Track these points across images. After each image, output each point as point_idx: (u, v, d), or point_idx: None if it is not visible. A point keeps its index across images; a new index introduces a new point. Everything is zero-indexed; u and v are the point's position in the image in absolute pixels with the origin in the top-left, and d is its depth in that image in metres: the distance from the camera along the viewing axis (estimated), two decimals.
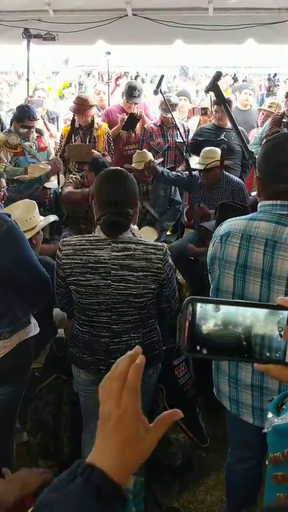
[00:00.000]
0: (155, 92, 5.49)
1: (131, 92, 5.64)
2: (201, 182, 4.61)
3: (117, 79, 8.54)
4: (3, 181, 3.85)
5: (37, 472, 1.60)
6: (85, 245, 2.27)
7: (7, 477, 1.58)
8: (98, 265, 2.24)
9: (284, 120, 4.87)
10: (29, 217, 3.07)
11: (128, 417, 0.80)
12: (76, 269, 2.27)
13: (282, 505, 0.59)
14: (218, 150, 4.57)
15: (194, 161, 4.77)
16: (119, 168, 2.40)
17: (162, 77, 5.62)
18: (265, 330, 0.76)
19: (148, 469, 2.53)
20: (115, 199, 2.24)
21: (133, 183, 2.31)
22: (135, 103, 5.71)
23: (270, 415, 1.23)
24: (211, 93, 6.39)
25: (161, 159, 5.24)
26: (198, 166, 4.59)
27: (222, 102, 3.11)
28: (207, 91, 3.33)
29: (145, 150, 5.06)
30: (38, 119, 5.28)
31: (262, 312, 0.77)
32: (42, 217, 3.26)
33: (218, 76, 3.01)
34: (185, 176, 4.80)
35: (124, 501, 0.76)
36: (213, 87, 2.97)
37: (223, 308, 0.78)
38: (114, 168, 2.46)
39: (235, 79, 10.86)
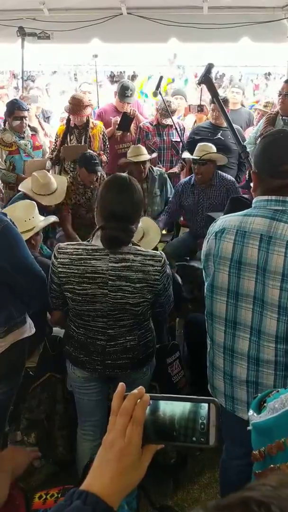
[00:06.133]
0: (154, 94, 5.51)
1: (123, 92, 5.66)
2: (194, 181, 4.60)
3: None
4: None
5: (24, 452, 1.61)
6: (82, 255, 2.22)
7: None
8: (96, 275, 2.20)
9: (285, 117, 4.85)
10: (28, 217, 3.06)
11: (133, 446, 0.89)
12: (73, 278, 2.22)
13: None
14: (213, 146, 4.60)
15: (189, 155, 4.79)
16: (127, 176, 2.30)
17: (161, 78, 5.63)
18: (189, 420, 0.91)
19: None
20: (120, 213, 2.17)
21: (139, 193, 2.26)
22: (128, 103, 5.72)
23: (251, 412, 1.22)
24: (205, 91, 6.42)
25: (155, 154, 5.24)
26: (194, 156, 4.60)
27: (214, 95, 3.10)
28: (199, 83, 3.32)
29: (139, 145, 5.07)
30: (28, 109, 5.28)
31: (186, 405, 0.92)
32: (42, 217, 3.25)
33: (209, 68, 2.99)
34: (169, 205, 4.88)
35: None
36: (205, 79, 2.95)
37: (152, 402, 0.94)
38: (122, 176, 2.34)
39: (231, 78, 10.87)
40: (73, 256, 2.22)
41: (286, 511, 0.56)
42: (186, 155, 4.92)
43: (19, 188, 4.28)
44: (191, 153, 4.80)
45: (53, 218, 3.45)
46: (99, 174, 4.55)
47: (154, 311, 2.44)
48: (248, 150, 3.63)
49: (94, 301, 2.24)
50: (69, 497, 0.85)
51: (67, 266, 2.23)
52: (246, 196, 4.60)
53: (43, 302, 2.59)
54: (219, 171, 4.64)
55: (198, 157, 4.48)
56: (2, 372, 2.50)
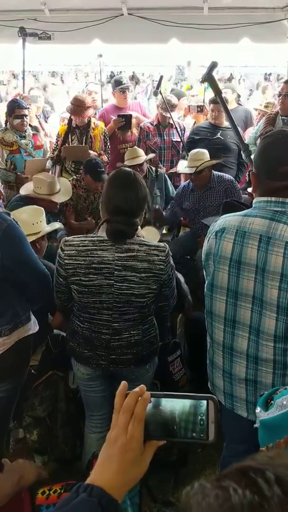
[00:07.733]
0: (155, 93, 5.54)
1: (120, 82, 5.75)
2: (193, 186, 4.62)
3: None
4: None
5: (34, 466, 1.63)
6: (89, 246, 2.27)
7: (5, 467, 1.59)
8: (102, 266, 2.24)
9: (284, 117, 4.87)
10: (35, 221, 3.08)
11: (134, 442, 0.93)
12: (80, 269, 2.27)
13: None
14: (205, 151, 4.57)
15: (183, 165, 4.76)
16: (132, 171, 2.34)
17: (161, 78, 5.66)
18: (189, 416, 0.94)
19: None
20: (125, 208, 2.21)
21: (144, 188, 2.29)
22: (128, 89, 5.82)
23: (258, 410, 1.24)
24: (206, 93, 6.44)
25: (153, 155, 5.26)
26: (187, 170, 4.60)
27: (217, 93, 3.12)
28: (202, 81, 3.34)
29: (135, 147, 5.10)
30: (28, 107, 5.32)
31: (186, 401, 0.95)
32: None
33: (213, 66, 3.01)
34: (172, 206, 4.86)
35: None
36: (208, 77, 2.97)
37: (154, 400, 0.97)
38: (127, 171, 2.35)
39: (230, 78, 10.89)
40: (80, 248, 2.27)
41: (280, 476, 0.60)
42: (181, 167, 4.88)
43: (21, 193, 4.22)
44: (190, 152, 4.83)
45: (58, 225, 3.50)
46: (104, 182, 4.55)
47: (158, 305, 2.47)
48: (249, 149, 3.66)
49: (100, 292, 2.28)
50: (75, 491, 0.88)
51: (73, 258, 2.27)
52: (246, 193, 4.65)
53: (47, 300, 2.62)
54: (216, 172, 4.65)
55: (193, 171, 4.44)
56: (7, 369, 2.52)
